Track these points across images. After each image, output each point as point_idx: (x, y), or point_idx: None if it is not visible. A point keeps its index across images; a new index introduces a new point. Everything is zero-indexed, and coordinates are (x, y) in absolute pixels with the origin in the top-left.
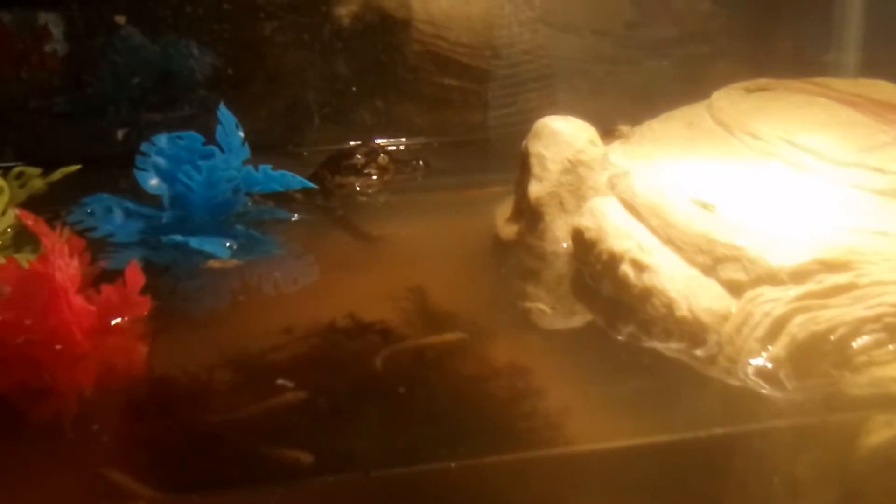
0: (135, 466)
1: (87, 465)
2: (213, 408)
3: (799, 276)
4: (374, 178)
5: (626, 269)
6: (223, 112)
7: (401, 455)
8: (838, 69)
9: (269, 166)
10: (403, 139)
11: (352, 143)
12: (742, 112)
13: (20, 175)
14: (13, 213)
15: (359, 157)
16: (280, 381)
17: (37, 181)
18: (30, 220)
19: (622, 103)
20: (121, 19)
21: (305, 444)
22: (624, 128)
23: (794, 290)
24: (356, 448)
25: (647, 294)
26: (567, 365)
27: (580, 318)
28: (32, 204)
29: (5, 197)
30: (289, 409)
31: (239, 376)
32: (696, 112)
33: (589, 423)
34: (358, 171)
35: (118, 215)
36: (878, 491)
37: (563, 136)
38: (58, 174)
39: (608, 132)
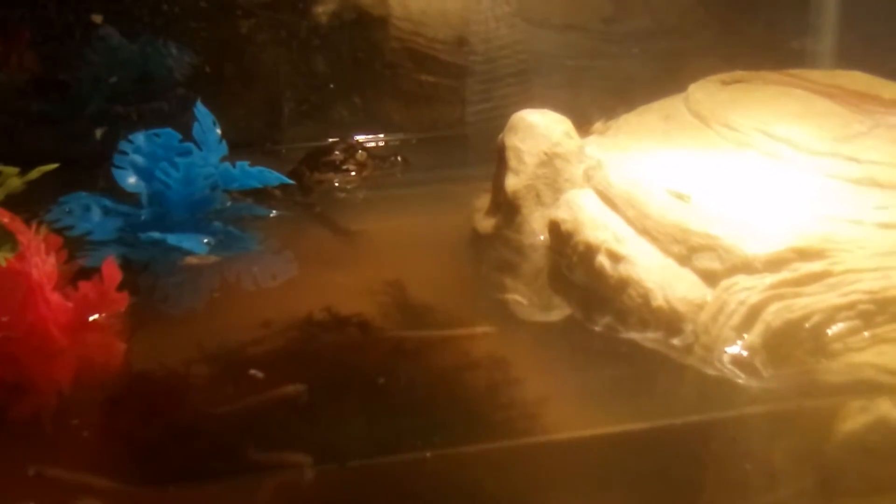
0: (113, 460)
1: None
2: (194, 401)
3: (773, 264)
4: (353, 174)
5: (602, 259)
6: (200, 109)
7: (378, 446)
8: (814, 61)
9: (246, 163)
10: (382, 135)
11: (330, 139)
12: (718, 104)
13: None
14: None
15: (337, 153)
16: (253, 372)
17: (14, 180)
18: (6, 219)
19: (599, 97)
20: (97, 18)
21: (282, 436)
22: (599, 124)
23: (768, 279)
24: (334, 439)
25: (623, 284)
26: (544, 356)
27: (557, 309)
28: (10, 203)
29: None
30: (286, 402)
31: (217, 370)
32: (672, 105)
33: (566, 412)
34: (336, 168)
35: (96, 213)
36: (854, 476)
37: (538, 129)
38: (35, 173)
39: (585, 127)
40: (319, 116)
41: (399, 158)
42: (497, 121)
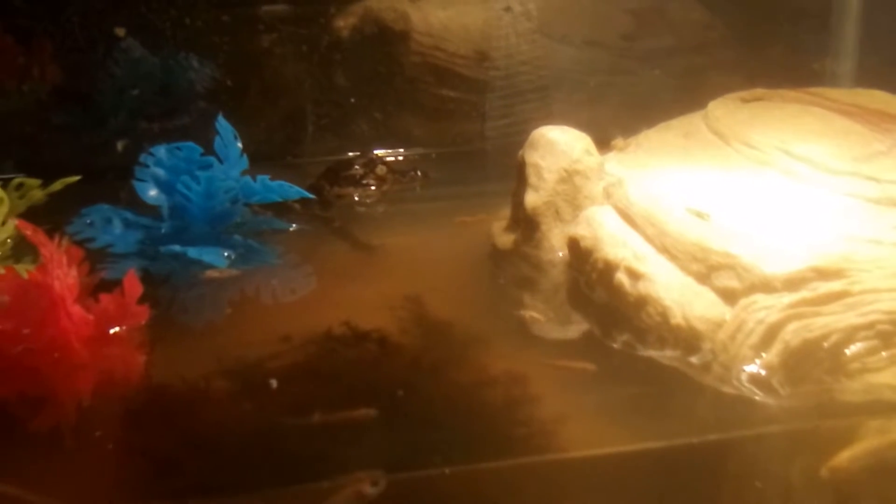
0: (132, 474)
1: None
2: (218, 415)
3: (792, 283)
4: (373, 188)
5: (621, 277)
6: (221, 123)
7: (397, 461)
8: (834, 79)
9: (267, 176)
10: (402, 150)
11: (350, 153)
12: (738, 122)
13: (20, 186)
14: (13, 223)
15: (357, 167)
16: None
17: (36, 192)
18: (29, 231)
19: (619, 114)
20: (120, 31)
21: (300, 450)
22: (619, 141)
23: (787, 298)
24: (352, 454)
25: (642, 302)
26: (563, 373)
27: (576, 326)
28: (32, 215)
29: (4, 208)
30: (355, 425)
31: (236, 384)
32: (692, 122)
33: (584, 429)
34: (356, 182)
35: (117, 226)
36: (871, 496)
37: (559, 145)
38: (58, 185)
39: (604, 143)
40: (340, 130)
41: (419, 173)
42: (517, 136)
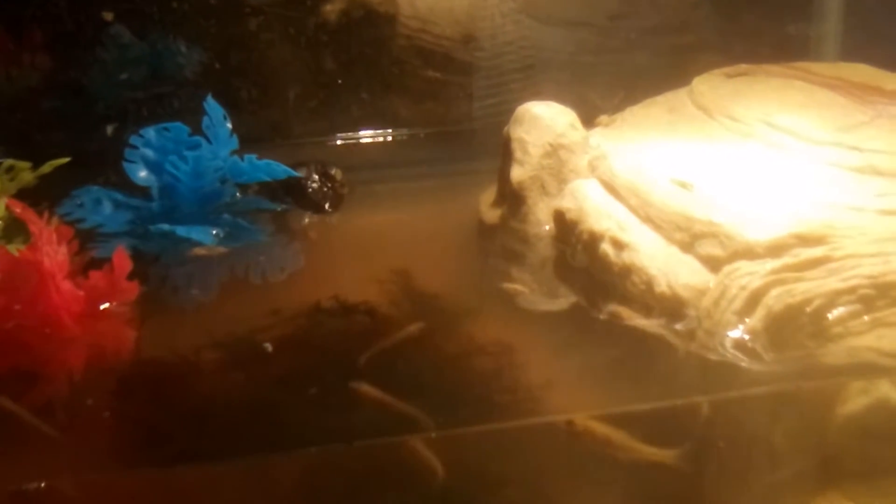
0: (123, 444)
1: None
2: (208, 387)
3: (775, 249)
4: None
5: (606, 247)
6: (210, 103)
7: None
8: (819, 54)
9: (254, 156)
10: (390, 130)
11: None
12: (722, 96)
13: (10, 169)
14: (2, 204)
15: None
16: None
17: (26, 174)
18: (18, 209)
19: (606, 93)
20: (108, 15)
21: (292, 420)
22: (604, 118)
23: (770, 264)
24: (340, 422)
25: (627, 271)
26: (550, 342)
27: (563, 297)
28: (22, 199)
29: None
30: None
31: (226, 356)
32: (677, 97)
33: (570, 395)
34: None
35: (107, 206)
36: (854, 458)
37: (543, 120)
38: (47, 167)
39: (591, 122)
40: (327, 112)
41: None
42: (504, 115)
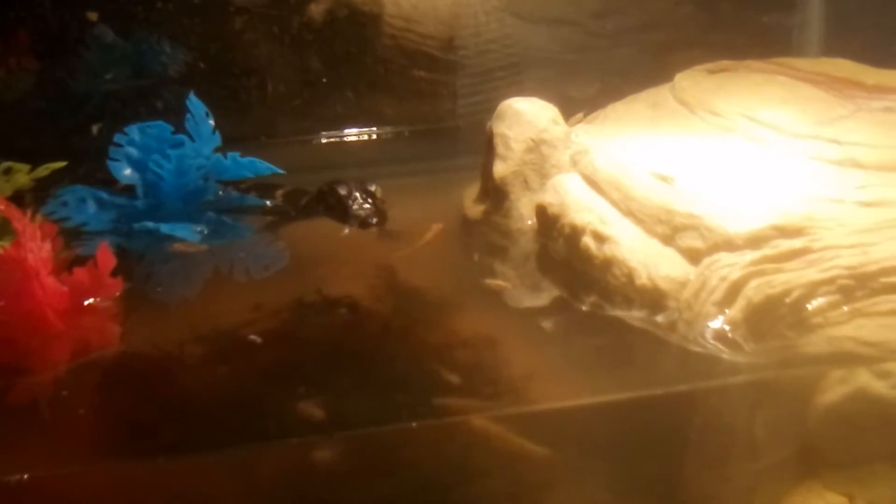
0: (108, 437)
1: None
2: (192, 380)
3: (755, 241)
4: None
5: (587, 241)
6: (193, 101)
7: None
8: (802, 51)
9: (237, 153)
10: (374, 128)
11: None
12: (704, 91)
13: (8, 170)
14: None
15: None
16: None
17: (22, 176)
18: (1, 206)
19: (589, 91)
20: (92, 15)
21: (275, 410)
22: (580, 116)
23: (749, 255)
24: (324, 412)
25: (608, 264)
26: (532, 335)
27: (545, 290)
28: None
29: None
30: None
31: (210, 350)
32: (659, 93)
33: (552, 386)
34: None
35: (91, 205)
36: (834, 446)
37: (525, 116)
38: (43, 170)
39: (572, 119)
40: (312, 111)
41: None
42: (488, 113)
